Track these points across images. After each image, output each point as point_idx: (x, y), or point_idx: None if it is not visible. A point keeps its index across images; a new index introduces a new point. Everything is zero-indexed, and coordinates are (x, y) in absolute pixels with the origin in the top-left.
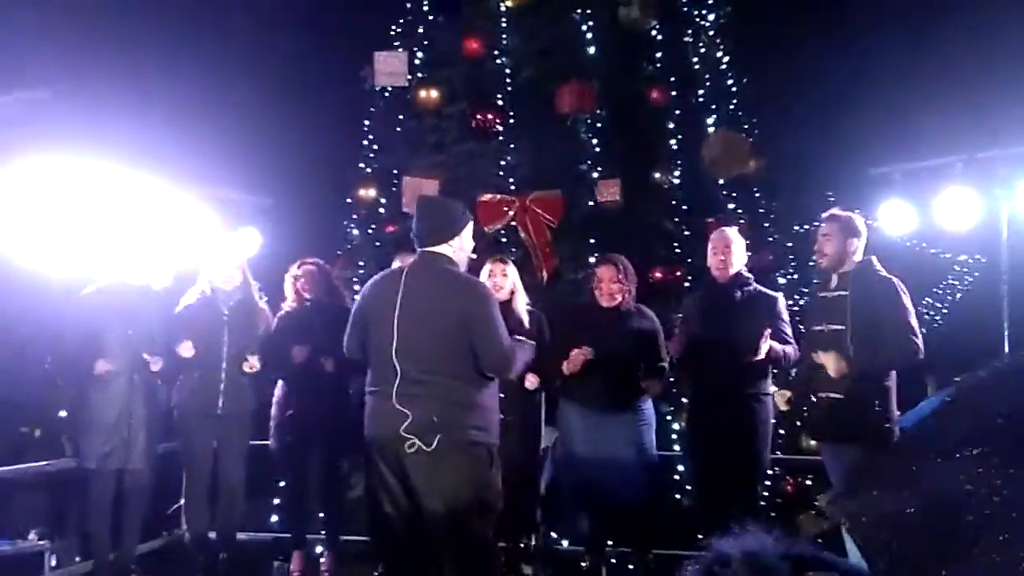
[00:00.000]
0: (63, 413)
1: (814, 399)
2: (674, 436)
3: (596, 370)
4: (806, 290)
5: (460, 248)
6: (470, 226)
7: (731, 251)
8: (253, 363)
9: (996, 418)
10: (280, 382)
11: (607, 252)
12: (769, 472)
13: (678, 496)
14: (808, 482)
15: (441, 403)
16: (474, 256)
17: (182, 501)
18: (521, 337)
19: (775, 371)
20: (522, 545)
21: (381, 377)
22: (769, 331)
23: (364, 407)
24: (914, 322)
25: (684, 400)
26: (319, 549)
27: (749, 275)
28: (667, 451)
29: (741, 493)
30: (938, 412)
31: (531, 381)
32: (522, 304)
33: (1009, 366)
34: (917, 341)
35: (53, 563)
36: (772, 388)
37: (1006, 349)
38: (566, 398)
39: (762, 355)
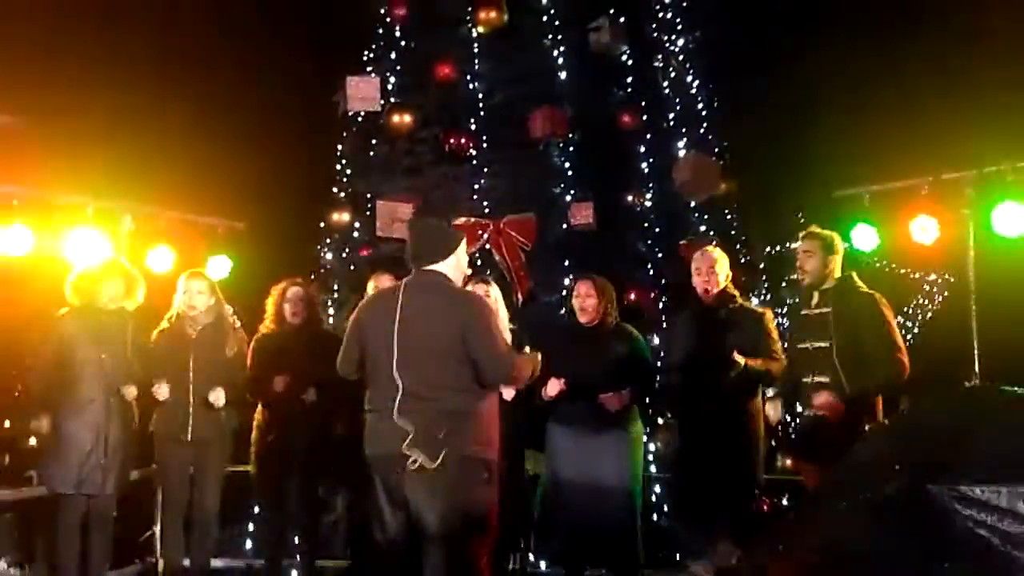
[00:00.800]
0: (33, 441)
1: (801, 412)
2: (650, 457)
3: (580, 390)
4: (780, 310)
5: (456, 266)
6: (463, 244)
7: (715, 271)
8: (218, 397)
9: (892, 466)
10: (260, 407)
11: (582, 274)
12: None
13: (654, 517)
14: (784, 502)
15: (444, 417)
16: (468, 272)
17: (155, 528)
18: (526, 350)
19: (765, 388)
20: (508, 567)
21: (381, 394)
22: (736, 351)
23: (342, 432)
24: (897, 337)
25: (659, 421)
26: (294, 574)
27: (734, 292)
28: (644, 472)
29: (732, 512)
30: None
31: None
32: (506, 325)
33: (908, 418)
34: (903, 359)
35: None
36: (768, 403)
37: (975, 367)
38: (552, 419)
39: (739, 365)
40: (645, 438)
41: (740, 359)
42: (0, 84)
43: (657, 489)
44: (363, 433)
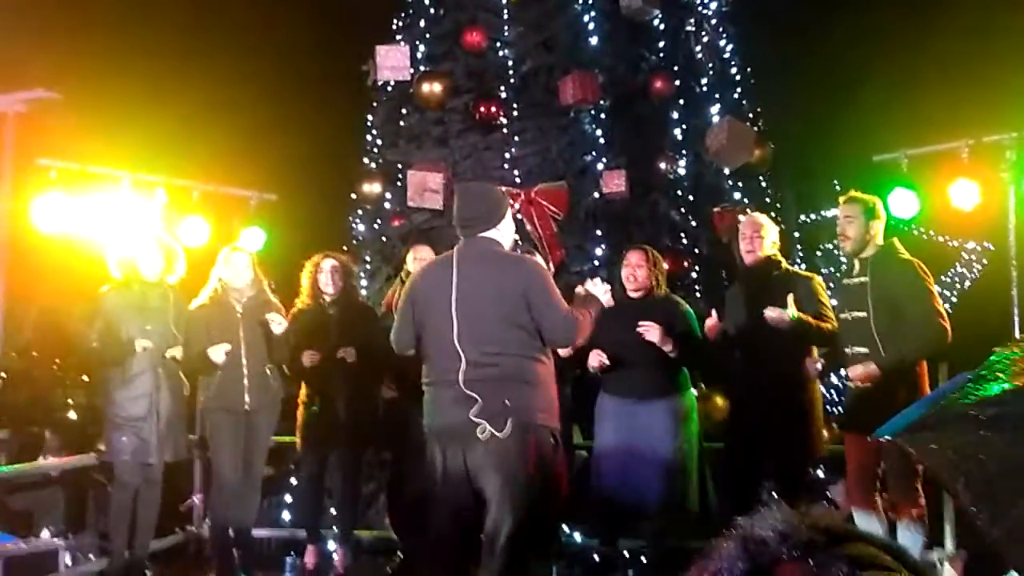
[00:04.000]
0: (72, 414)
1: (846, 384)
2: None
3: (629, 359)
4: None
5: (506, 231)
6: (510, 211)
7: (761, 235)
8: (277, 320)
9: None
10: (304, 382)
11: (613, 243)
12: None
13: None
14: (820, 473)
15: (510, 385)
16: (517, 237)
17: (194, 498)
18: (588, 283)
19: (821, 348)
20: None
21: (443, 365)
22: (791, 299)
23: (384, 402)
24: (938, 304)
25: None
26: (332, 544)
27: (780, 258)
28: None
29: (785, 483)
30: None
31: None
32: None
33: None
34: (944, 323)
35: (68, 561)
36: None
37: (1016, 334)
38: (602, 389)
39: (793, 316)
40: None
41: (793, 311)
42: (37, 59)
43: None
44: (421, 405)
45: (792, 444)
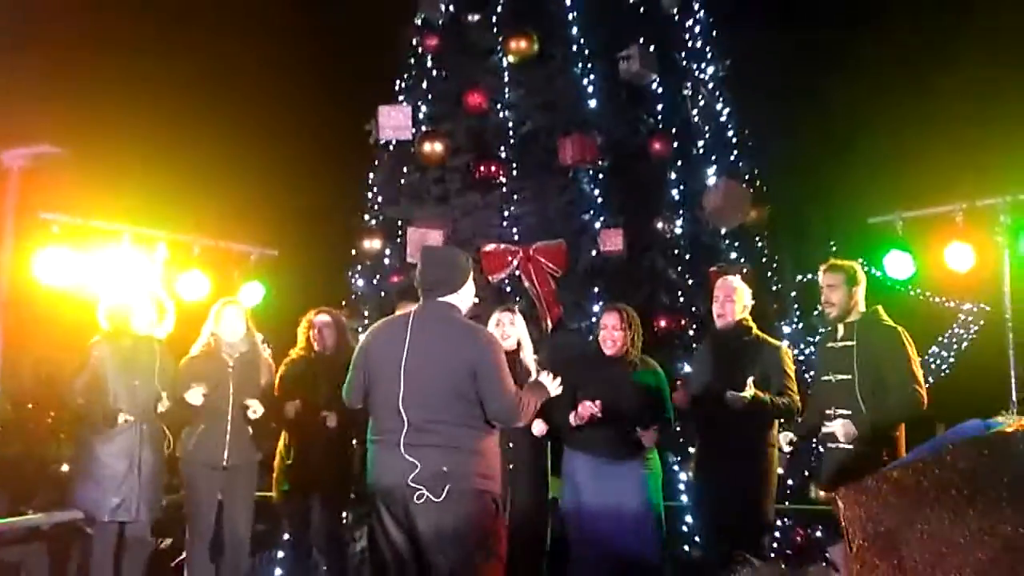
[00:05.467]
0: (65, 467)
1: (822, 449)
2: (681, 487)
3: (602, 420)
4: (811, 339)
5: (466, 297)
6: (471, 276)
7: (732, 300)
8: (256, 408)
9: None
10: (284, 433)
11: (611, 301)
12: (779, 523)
13: (686, 547)
14: (819, 533)
15: (449, 452)
16: (477, 300)
17: (184, 555)
18: (541, 374)
19: (781, 421)
20: None
21: (387, 426)
22: (752, 378)
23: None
24: (917, 371)
25: (691, 450)
26: None
27: (751, 324)
28: (675, 501)
29: (746, 543)
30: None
31: (539, 428)
32: (529, 354)
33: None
34: (920, 391)
35: None
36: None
37: (1013, 396)
38: (572, 447)
39: (744, 397)
40: (677, 468)
41: (748, 393)
42: (43, 115)
43: (688, 519)
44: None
45: (746, 506)
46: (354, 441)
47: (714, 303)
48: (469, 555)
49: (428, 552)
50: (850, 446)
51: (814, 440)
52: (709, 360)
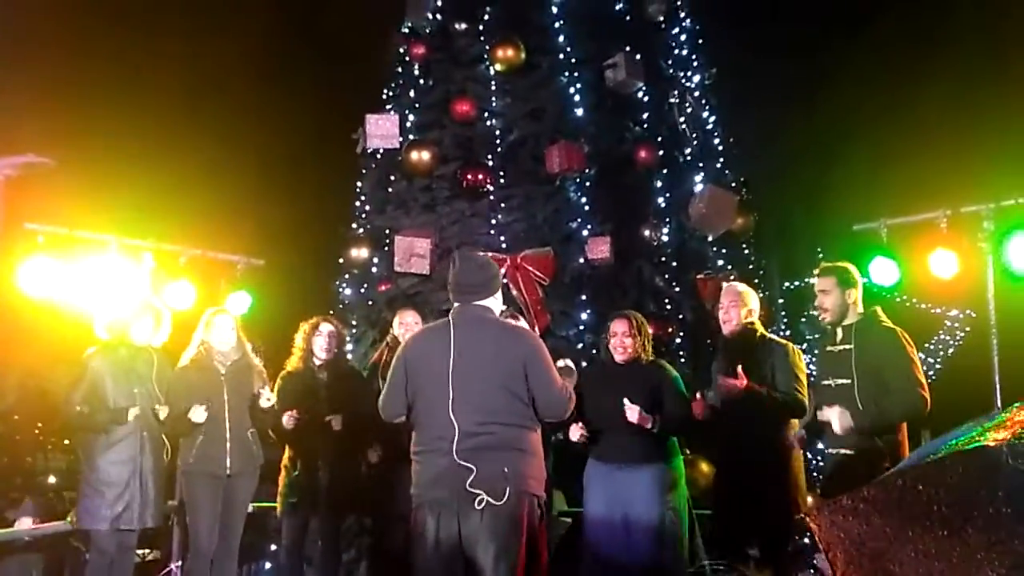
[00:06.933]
0: (52, 479)
1: (820, 460)
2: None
3: (616, 425)
4: (800, 346)
5: (499, 301)
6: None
7: (736, 305)
8: (268, 395)
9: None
10: (287, 447)
11: (598, 309)
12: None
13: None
14: (806, 540)
15: (507, 453)
16: (504, 308)
17: (172, 566)
18: (560, 364)
19: (794, 418)
20: None
21: (435, 434)
22: (740, 366)
23: (367, 469)
24: (919, 373)
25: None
26: None
27: (757, 326)
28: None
29: (770, 544)
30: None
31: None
32: None
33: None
34: (923, 393)
35: None
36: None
37: (998, 403)
38: (590, 455)
39: (735, 388)
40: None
41: (738, 381)
42: (31, 125)
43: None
44: (407, 471)
45: (771, 510)
46: (370, 458)
47: (720, 310)
48: (518, 559)
49: (479, 558)
50: (850, 451)
51: (817, 441)
52: (722, 367)
